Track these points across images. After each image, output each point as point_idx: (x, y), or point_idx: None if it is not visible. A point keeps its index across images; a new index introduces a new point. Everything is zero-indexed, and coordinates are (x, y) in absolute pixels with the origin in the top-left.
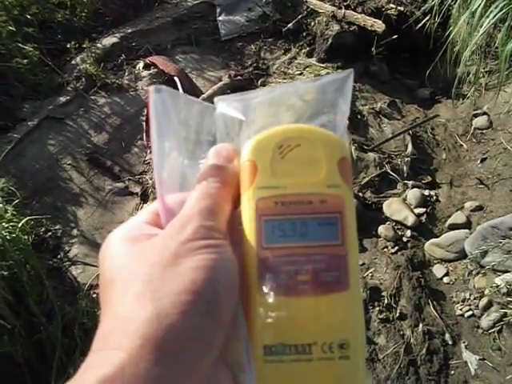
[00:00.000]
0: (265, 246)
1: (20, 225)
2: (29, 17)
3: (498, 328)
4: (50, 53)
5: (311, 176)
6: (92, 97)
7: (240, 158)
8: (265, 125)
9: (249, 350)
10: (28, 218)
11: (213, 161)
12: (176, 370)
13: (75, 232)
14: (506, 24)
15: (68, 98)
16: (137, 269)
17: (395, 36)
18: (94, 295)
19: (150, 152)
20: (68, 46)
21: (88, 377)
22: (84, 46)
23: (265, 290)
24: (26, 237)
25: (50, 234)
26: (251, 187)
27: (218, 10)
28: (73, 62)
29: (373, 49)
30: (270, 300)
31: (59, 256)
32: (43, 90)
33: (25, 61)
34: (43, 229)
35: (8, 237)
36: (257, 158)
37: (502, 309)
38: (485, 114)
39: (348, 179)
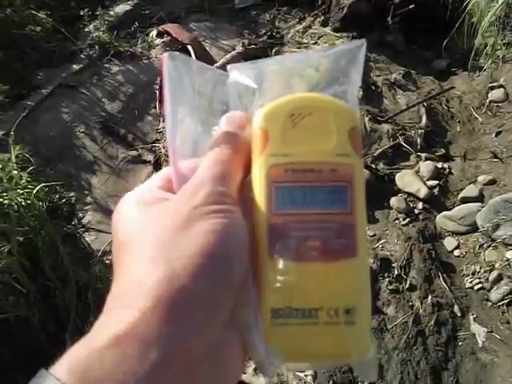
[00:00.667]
0: (275, 213)
1: (35, 191)
2: None
3: (506, 301)
4: (64, 20)
5: (322, 145)
6: (105, 65)
7: (252, 125)
8: (277, 93)
9: (257, 314)
10: (42, 184)
11: (225, 128)
12: (186, 330)
13: (89, 199)
14: None
15: (81, 65)
16: (149, 232)
17: (412, 6)
18: (107, 261)
19: (163, 120)
20: (81, 13)
21: (102, 334)
22: (97, 13)
23: (274, 255)
24: (40, 203)
25: (64, 201)
26: (262, 154)
27: None
28: (86, 29)
29: (389, 18)
30: (279, 265)
31: (73, 223)
32: (57, 57)
33: (38, 28)
34: (57, 196)
35: (23, 203)
36: (268, 125)
37: None
38: (501, 86)
39: (358, 149)
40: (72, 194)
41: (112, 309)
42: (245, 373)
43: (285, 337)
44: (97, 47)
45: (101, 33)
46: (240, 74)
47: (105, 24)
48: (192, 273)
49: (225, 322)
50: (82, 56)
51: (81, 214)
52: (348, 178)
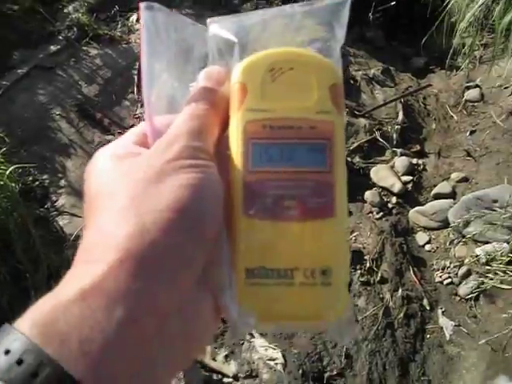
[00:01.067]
0: (251, 170)
1: (7, 172)
2: None
3: (474, 296)
4: (42, 1)
5: (302, 101)
6: (83, 47)
7: (231, 80)
8: (258, 47)
9: (231, 273)
10: (15, 165)
11: (203, 83)
12: (156, 285)
13: (63, 182)
14: None
15: (59, 47)
16: (121, 185)
17: (393, 2)
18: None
19: (142, 105)
20: None
21: (68, 288)
22: None
23: (249, 212)
24: (13, 185)
25: (37, 183)
26: (240, 110)
27: None
28: (65, 10)
29: (370, 14)
30: (254, 223)
31: (46, 206)
32: (34, 38)
33: (15, 7)
34: (31, 178)
35: None
36: (247, 79)
37: (480, 278)
38: (477, 86)
39: (340, 106)
40: (46, 176)
41: (80, 262)
42: (215, 360)
43: (259, 297)
44: (75, 29)
45: (80, 14)
46: (220, 28)
47: (84, 6)
48: (163, 227)
49: (196, 280)
50: (60, 37)
51: (54, 198)
52: (328, 135)
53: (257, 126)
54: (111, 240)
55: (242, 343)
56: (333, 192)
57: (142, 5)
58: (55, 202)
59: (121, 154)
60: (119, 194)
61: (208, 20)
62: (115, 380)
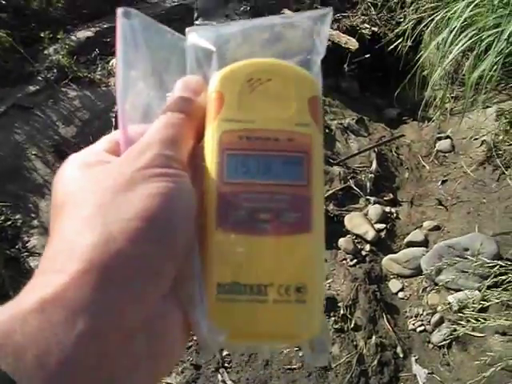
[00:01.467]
0: (226, 181)
1: None
2: (3, 2)
3: (447, 343)
4: (23, 41)
5: (280, 112)
6: (62, 89)
7: (208, 89)
8: (237, 57)
9: (202, 288)
10: None
11: (180, 93)
12: (120, 297)
13: (35, 223)
14: (474, 53)
15: (38, 87)
16: (89, 193)
17: (368, 55)
18: None
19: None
20: (42, 35)
21: (28, 298)
22: (58, 36)
23: (223, 225)
24: None
25: (9, 223)
26: (216, 119)
27: (196, 14)
28: (45, 51)
29: (345, 65)
30: (227, 237)
31: (17, 246)
32: (13, 77)
33: None
34: (3, 217)
35: None
36: (224, 89)
37: (453, 325)
38: (448, 137)
39: (318, 119)
40: (18, 216)
41: (42, 271)
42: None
43: (230, 314)
44: (55, 70)
45: (60, 56)
46: (198, 37)
47: (65, 48)
48: (130, 237)
49: (165, 294)
50: (40, 78)
51: (26, 238)
52: (305, 148)
53: (233, 136)
54: (75, 249)
55: None
56: (309, 206)
57: (118, 11)
58: (27, 242)
59: (90, 162)
60: (86, 202)
61: (187, 29)
62: None
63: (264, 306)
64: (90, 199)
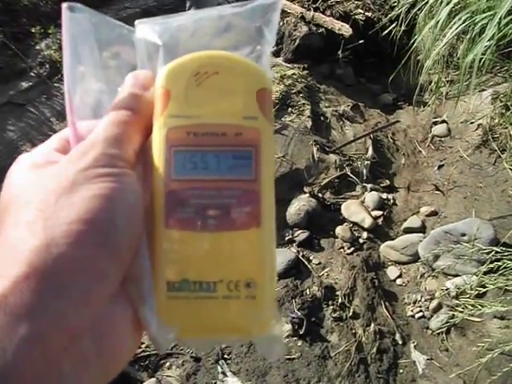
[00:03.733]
0: (173, 178)
1: None
2: None
3: (445, 329)
4: (14, 37)
5: (227, 106)
6: (55, 84)
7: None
8: (185, 50)
9: (151, 286)
10: None
11: (128, 88)
12: (63, 301)
13: None
14: (468, 36)
15: (30, 83)
16: (32, 196)
17: (362, 41)
18: None
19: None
20: (33, 30)
21: None
22: (49, 31)
23: (171, 223)
24: None
25: None
26: (162, 116)
27: (188, 4)
28: (37, 47)
29: (339, 52)
30: (176, 234)
31: None
32: (5, 74)
33: None
34: None
35: None
36: (170, 84)
37: (451, 311)
38: (444, 122)
39: (267, 112)
40: None
41: None
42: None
43: (180, 311)
44: (47, 66)
45: (52, 51)
46: (146, 30)
47: (57, 43)
48: (72, 240)
49: (112, 294)
50: (32, 74)
51: None
52: (254, 142)
53: (180, 132)
54: (16, 254)
55: (215, 382)
56: (258, 201)
57: (63, 5)
58: None
59: (38, 163)
60: (29, 205)
61: (136, 21)
62: None
63: (214, 302)
64: (33, 203)
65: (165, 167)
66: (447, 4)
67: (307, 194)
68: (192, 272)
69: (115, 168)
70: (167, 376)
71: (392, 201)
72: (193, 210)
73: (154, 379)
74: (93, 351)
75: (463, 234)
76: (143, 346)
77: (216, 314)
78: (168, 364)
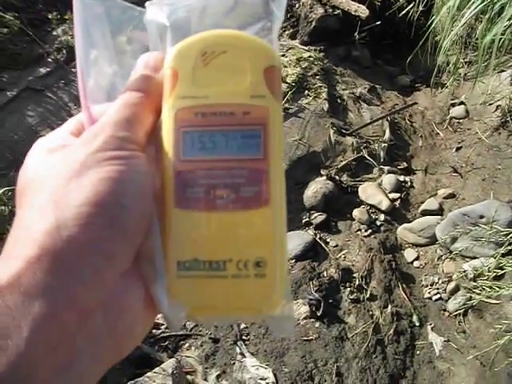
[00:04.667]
0: (183, 159)
1: None
2: None
3: (462, 311)
4: (31, 23)
5: (235, 85)
6: (73, 69)
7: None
8: (194, 30)
9: (162, 265)
10: (5, 188)
11: (139, 70)
12: (74, 280)
13: None
14: (487, 16)
15: (48, 69)
16: (45, 179)
17: (378, 22)
18: None
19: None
20: (49, 16)
21: None
22: (66, 17)
23: (180, 203)
24: (3, 207)
25: None
26: (171, 97)
27: None
28: (54, 33)
29: (356, 34)
30: (185, 214)
31: None
32: (23, 60)
33: (5, 30)
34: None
35: None
36: (178, 65)
37: (468, 293)
38: (462, 103)
39: (275, 90)
40: None
41: (1, 258)
42: (206, 380)
43: (191, 290)
44: (64, 51)
45: (69, 37)
46: (156, 12)
47: (73, 28)
48: (81, 222)
49: (124, 272)
50: (49, 60)
51: None
52: (262, 121)
53: (188, 113)
54: (29, 236)
55: (234, 363)
56: (267, 181)
57: None
58: None
59: (52, 147)
60: (42, 189)
61: (146, 3)
62: (36, 376)
63: (223, 281)
64: (46, 186)
65: (174, 148)
66: None
67: (324, 177)
68: (202, 251)
69: (124, 151)
70: (186, 356)
71: (409, 183)
72: (202, 190)
73: (173, 359)
74: (104, 328)
75: (481, 216)
76: (163, 327)
77: (226, 292)
78: (187, 345)
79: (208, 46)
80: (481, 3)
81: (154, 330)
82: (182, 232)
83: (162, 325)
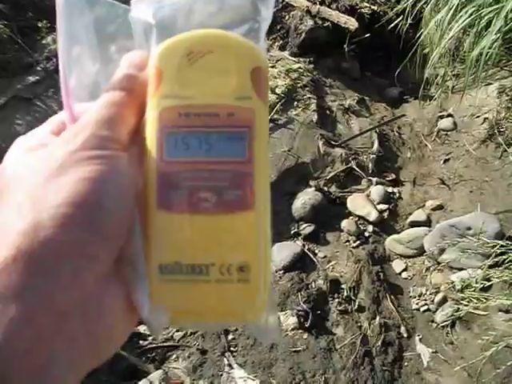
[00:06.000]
0: (166, 160)
1: None
2: None
3: (450, 322)
4: (21, 31)
5: (220, 86)
6: None
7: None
8: (178, 29)
9: (143, 269)
10: None
11: (123, 69)
12: (51, 283)
13: None
14: (474, 30)
15: (37, 77)
16: (23, 179)
17: (368, 34)
18: None
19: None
20: (39, 24)
21: None
22: (56, 25)
23: (163, 205)
24: None
25: None
26: (155, 97)
27: None
28: (44, 41)
29: (345, 46)
30: (167, 217)
31: None
32: (12, 68)
33: None
34: None
35: None
36: (163, 64)
37: (456, 304)
38: (450, 116)
39: (262, 91)
40: None
41: None
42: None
43: (173, 294)
44: (54, 60)
45: None
46: (141, 9)
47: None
48: (59, 223)
49: (104, 275)
50: (39, 68)
51: None
52: (247, 123)
53: (172, 113)
54: (5, 236)
55: (221, 374)
56: (252, 184)
57: None
58: None
59: (32, 146)
60: (20, 188)
61: (132, 1)
62: (11, 379)
63: (206, 285)
64: (24, 185)
65: (157, 149)
66: None
67: (313, 188)
68: (184, 255)
69: (106, 150)
70: (174, 368)
71: (397, 194)
72: (185, 192)
73: (160, 371)
74: (81, 331)
75: (469, 228)
76: (150, 338)
77: (208, 297)
78: (174, 356)
79: (194, 46)
80: (468, 17)
81: (141, 341)
82: (164, 235)
83: (149, 336)
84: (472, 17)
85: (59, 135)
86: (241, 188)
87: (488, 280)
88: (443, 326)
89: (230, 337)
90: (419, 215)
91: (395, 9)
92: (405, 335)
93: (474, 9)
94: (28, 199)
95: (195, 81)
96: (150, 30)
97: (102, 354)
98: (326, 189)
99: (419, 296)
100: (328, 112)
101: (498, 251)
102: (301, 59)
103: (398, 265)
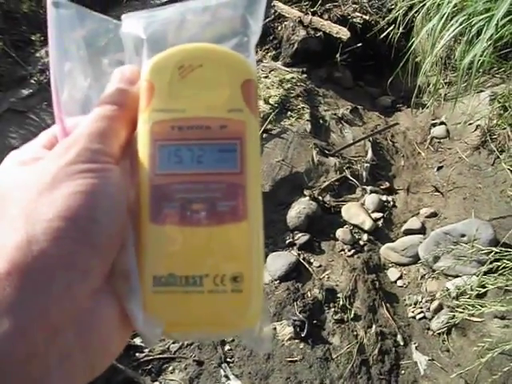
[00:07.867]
0: (158, 173)
1: None
2: None
3: (446, 330)
4: (14, 44)
5: (212, 99)
6: None
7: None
8: (169, 43)
9: (137, 280)
10: None
11: (115, 83)
12: (44, 297)
13: None
14: (465, 38)
15: (31, 91)
16: (16, 192)
17: (360, 44)
18: None
19: None
20: (33, 38)
21: None
22: None
23: (156, 218)
24: None
25: None
26: (146, 110)
27: None
28: (37, 54)
29: (337, 55)
30: (161, 229)
31: None
32: (5, 81)
33: None
34: None
35: None
36: (154, 78)
37: (451, 312)
38: (442, 123)
39: (252, 104)
40: None
41: None
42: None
43: (167, 305)
44: (47, 73)
45: None
46: (132, 24)
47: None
48: (52, 237)
49: (97, 288)
50: (32, 81)
51: None
52: (239, 135)
53: (164, 126)
54: (0, 250)
55: None
56: (244, 195)
57: (48, 1)
58: None
59: (25, 160)
60: (13, 203)
61: (123, 16)
62: None
63: (200, 296)
64: (17, 199)
65: (149, 162)
66: (446, 5)
67: (307, 197)
68: (178, 266)
69: (97, 163)
70: (170, 380)
71: (392, 203)
72: (178, 205)
73: (157, 383)
74: (76, 345)
75: (463, 235)
76: (146, 350)
77: (202, 308)
78: (171, 368)
79: (185, 60)
80: (459, 26)
81: (137, 354)
82: (157, 247)
83: (146, 348)
84: (463, 25)
85: (51, 149)
86: (233, 199)
87: (483, 287)
88: (439, 334)
89: (227, 348)
90: (413, 223)
91: (387, 18)
92: (401, 343)
93: (464, 17)
94: (21, 213)
95: (186, 94)
96: (141, 45)
97: (97, 367)
98: (320, 198)
99: (415, 304)
100: (321, 121)
101: (493, 258)
102: (294, 69)
103: (393, 273)
